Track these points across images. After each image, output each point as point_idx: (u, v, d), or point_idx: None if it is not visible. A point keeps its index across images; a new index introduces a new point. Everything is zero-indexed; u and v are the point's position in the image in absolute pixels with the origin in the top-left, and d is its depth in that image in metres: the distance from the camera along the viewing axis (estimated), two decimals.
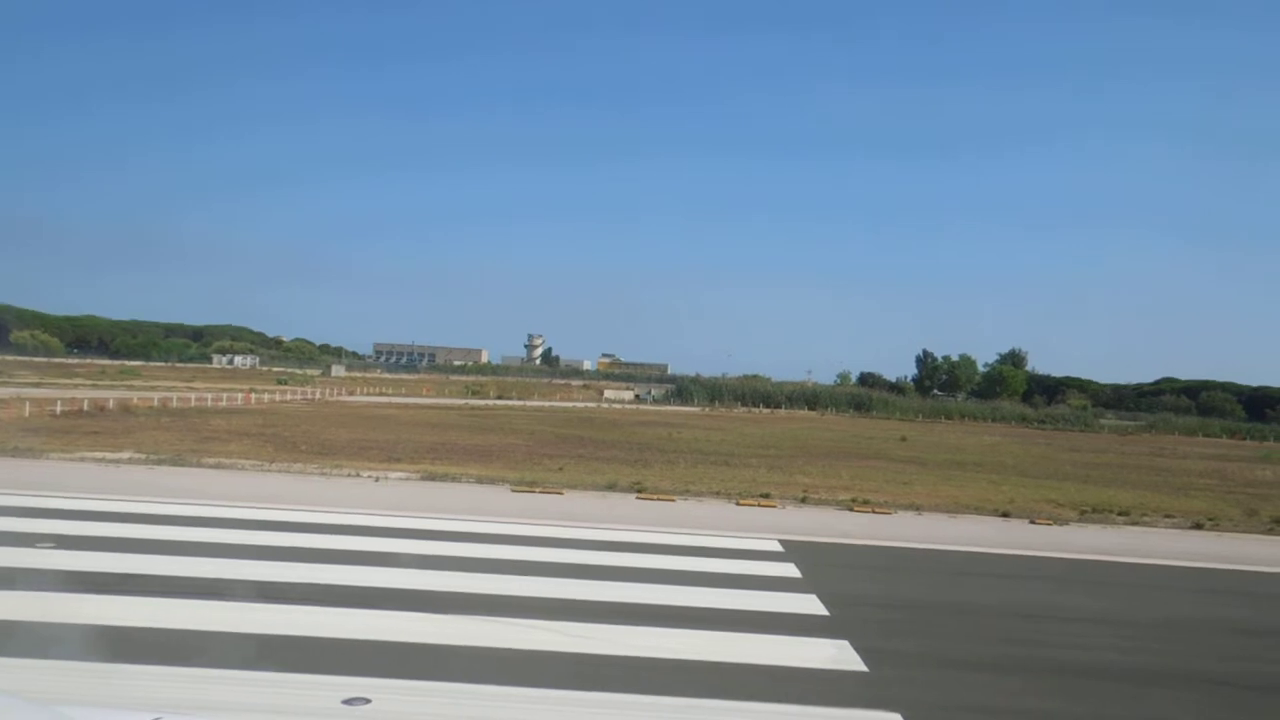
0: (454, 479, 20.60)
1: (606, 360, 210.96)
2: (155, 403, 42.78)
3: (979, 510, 20.19)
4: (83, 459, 20.78)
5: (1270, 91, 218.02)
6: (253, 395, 54.29)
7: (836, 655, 8.68)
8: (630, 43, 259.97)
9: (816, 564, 13.12)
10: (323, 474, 20.40)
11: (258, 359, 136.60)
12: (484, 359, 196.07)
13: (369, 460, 23.33)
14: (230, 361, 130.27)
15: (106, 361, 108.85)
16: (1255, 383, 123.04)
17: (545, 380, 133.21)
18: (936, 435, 58.32)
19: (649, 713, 6.91)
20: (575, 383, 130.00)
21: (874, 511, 19.14)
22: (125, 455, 21.55)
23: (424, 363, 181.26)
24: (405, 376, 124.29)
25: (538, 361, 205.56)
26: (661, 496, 19.45)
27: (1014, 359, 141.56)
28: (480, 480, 20.55)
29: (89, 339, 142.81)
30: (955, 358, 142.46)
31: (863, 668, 8.32)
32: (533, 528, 14.86)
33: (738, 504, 19.14)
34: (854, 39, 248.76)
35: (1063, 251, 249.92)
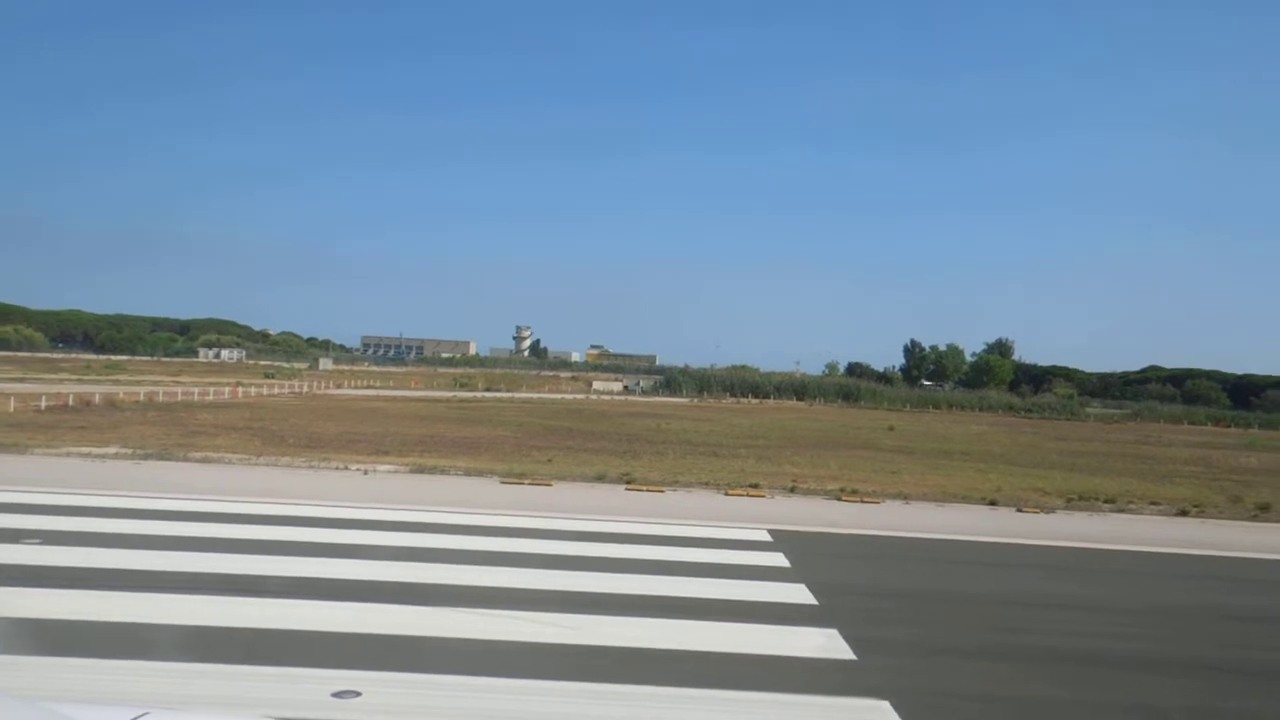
0: (443, 471, 20.58)
1: (595, 352, 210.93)
2: (141, 397, 42.59)
3: (966, 499, 20.28)
4: (68, 454, 20.67)
5: (1258, 78, 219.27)
6: (239, 389, 54.10)
7: (825, 644, 8.71)
8: (621, 37, 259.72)
9: (805, 553, 13.16)
10: (310, 467, 20.35)
11: (244, 353, 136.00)
12: (472, 351, 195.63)
13: (357, 453, 23.28)
14: (217, 355, 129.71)
15: (92, 356, 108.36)
16: (1240, 370, 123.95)
17: (533, 372, 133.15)
18: (924, 424, 58.53)
19: (639, 702, 6.93)
20: (564, 374, 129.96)
21: (862, 501, 19.20)
22: (111, 450, 21.45)
23: (412, 355, 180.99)
24: (393, 369, 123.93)
25: (526, 353, 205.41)
26: (650, 487, 19.47)
27: (1001, 348, 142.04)
28: (469, 472, 20.53)
29: (74, 333, 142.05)
30: (943, 348, 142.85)
31: (851, 656, 8.35)
32: (522, 519, 14.85)
33: (726, 494, 19.18)
34: (842, 30, 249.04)
35: (1049, 241, 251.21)
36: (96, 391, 42.84)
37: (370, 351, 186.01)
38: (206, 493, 16.08)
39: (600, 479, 20.33)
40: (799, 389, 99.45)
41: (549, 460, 23.94)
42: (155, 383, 56.33)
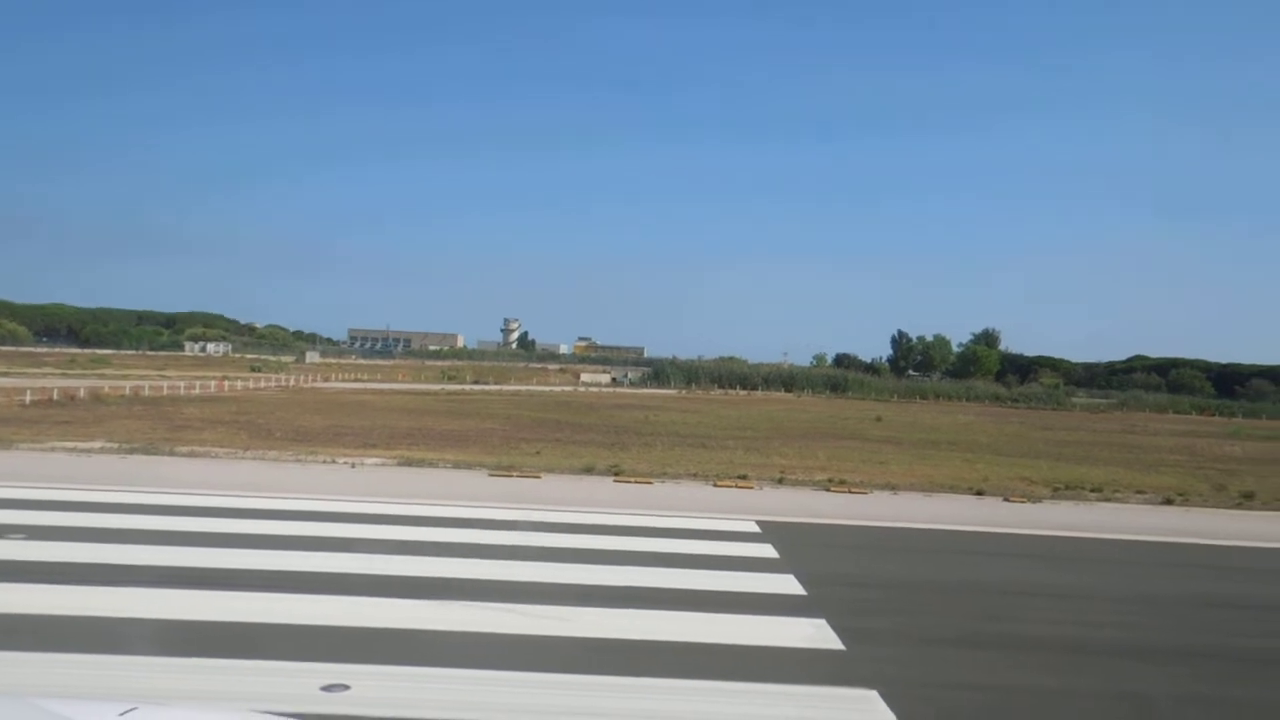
0: (431, 464, 20.54)
1: (583, 344, 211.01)
2: (127, 391, 42.33)
3: (954, 489, 20.37)
4: (53, 449, 20.54)
5: (1243, 66, 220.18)
6: (226, 383, 53.85)
7: (814, 634, 8.74)
8: (610, 28, 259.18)
9: (794, 544, 13.19)
10: (298, 461, 20.28)
11: (231, 346, 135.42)
12: (460, 344, 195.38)
13: (345, 446, 23.22)
14: (203, 349, 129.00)
15: (76, 350, 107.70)
16: (1225, 360, 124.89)
17: (522, 364, 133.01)
18: (911, 415, 58.74)
19: (628, 694, 6.94)
20: (552, 366, 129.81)
21: (850, 491, 19.26)
22: (97, 445, 21.33)
23: (399, 348, 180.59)
24: (381, 362, 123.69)
25: (514, 346, 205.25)
26: (639, 479, 19.48)
27: (987, 339, 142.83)
28: (457, 465, 20.50)
29: (58, 328, 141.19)
30: (930, 338, 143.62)
31: (840, 646, 8.38)
32: (510, 512, 14.84)
33: (715, 485, 19.21)
34: (830, 20, 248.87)
35: (1036, 232, 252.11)
36: (81, 386, 42.53)
37: (357, 344, 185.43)
38: (193, 487, 16.01)
39: (589, 471, 20.33)
40: (787, 380, 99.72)
41: (537, 452, 23.92)
42: (141, 377, 56.00)
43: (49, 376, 53.43)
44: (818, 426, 42.49)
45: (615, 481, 19.21)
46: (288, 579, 9.92)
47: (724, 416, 46.76)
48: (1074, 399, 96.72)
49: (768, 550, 12.72)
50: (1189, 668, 8.46)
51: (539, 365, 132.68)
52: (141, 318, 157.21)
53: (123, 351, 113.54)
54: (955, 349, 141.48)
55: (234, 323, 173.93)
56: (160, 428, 26.20)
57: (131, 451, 20.50)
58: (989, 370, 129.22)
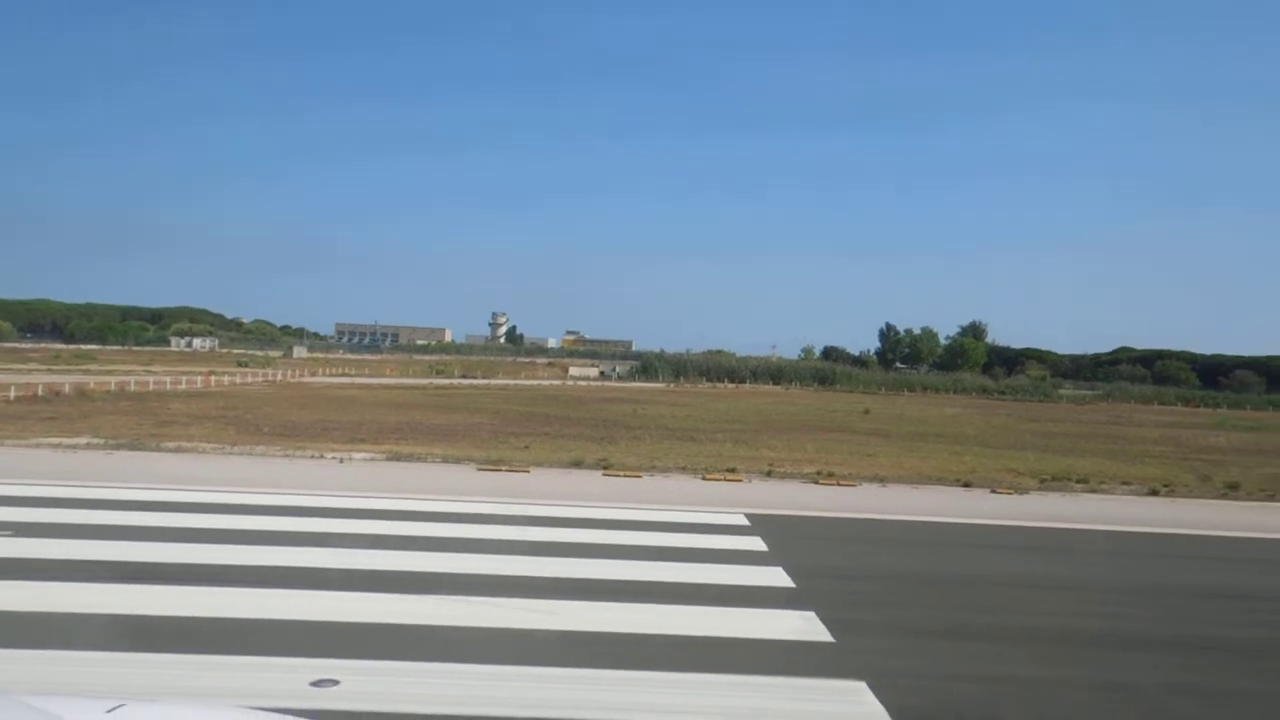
0: (419, 459, 20.50)
1: (571, 337, 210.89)
2: (112, 387, 42.11)
3: (941, 481, 20.45)
4: (38, 445, 20.41)
5: (1225, 54, 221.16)
6: (213, 378, 53.62)
7: (803, 626, 8.76)
8: (593, 22, 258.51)
9: (782, 536, 13.22)
10: (286, 456, 20.21)
11: (217, 341, 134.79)
12: (447, 338, 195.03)
13: (333, 441, 23.15)
14: (189, 344, 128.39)
15: (61, 346, 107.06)
16: (1209, 351, 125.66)
17: (510, 359, 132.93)
18: (899, 407, 58.91)
19: (617, 687, 6.95)
20: (540, 360, 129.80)
21: (839, 484, 19.31)
22: (83, 440, 21.21)
23: (387, 343, 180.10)
24: (368, 357, 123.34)
25: (502, 340, 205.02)
26: (628, 473, 19.48)
27: (974, 331, 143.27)
28: (445, 459, 20.46)
29: (42, 323, 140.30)
30: (917, 331, 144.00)
31: (829, 638, 8.41)
32: (499, 506, 14.83)
33: (704, 479, 19.23)
34: (812, 11, 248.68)
35: (1022, 224, 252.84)
36: (66, 381, 42.28)
37: (345, 339, 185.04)
38: (179, 482, 15.94)
39: (577, 465, 20.33)
40: (775, 373, 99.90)
41: (526, 447, 23.90)
42: (126, 372, 55.69)
43: (34, 372, 53.08)
44: (806, 419, 42.58)
45: (604, 475, 19.21)
46: (276, 574, 9.90)
47: (712, 409, 46.80)
48: (1060, 391, 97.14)
49: (756, 543, 12.75)
50: (1178, 658, 8.52)
51: (527, 359, 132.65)
52: (127, 313, 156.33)
53: (108, 347, 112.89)
54: (943, 341, 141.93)
55: (220, 318, 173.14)
56: (146, 423, 26.08)
57: (118, 447, 20.40)
58: (976, 362, 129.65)
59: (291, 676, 6.78)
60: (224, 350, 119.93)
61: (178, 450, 20.44)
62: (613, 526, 13.50)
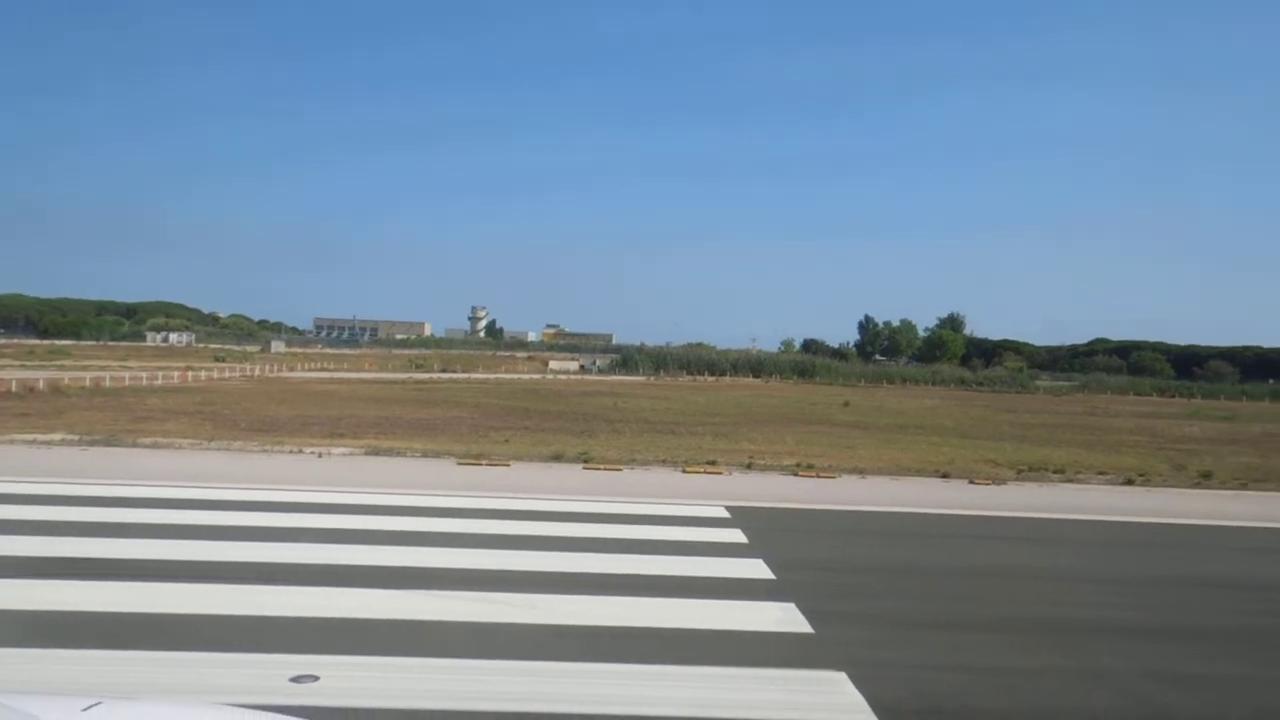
0: (399, 453, 20.42)
1: (551, 331, 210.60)
2: (87, 382, 41.67)
3: (920, 472, 20.57)
4: (12, 441, 20.19)
5: (1205, 41, 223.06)
6: (189, 373, 53.20)
7: (782, 618, 8.80)
8: (570, 15, 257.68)
9: (762, 529, 13.27)
10: (264, 451, 20.09)
11: (193, 336, 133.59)
12: (427, 332, 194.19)
13: (311, 436, 23.03)
14: (165, 339, 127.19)
15: (35, 341, 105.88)
16: (1184, 342, 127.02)
17: (489, 352, 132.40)
18: (878, 399, 59.19)
19: (597, 679, 6.96)
20: (520, 354, 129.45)
21: (818, 476, 19.39)
22: (57, 436, 20.99)
23: (366, 337, 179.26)
24: (347, 351, 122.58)
25: (482, 334, 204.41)
26: (608, 466, 19.49)
27: (953, 323, 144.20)
28: (425, 454, 20.40)
29: (15, 318, 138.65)
30: (896, 323, 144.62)
31: (809, 629, 8.45)
32: (479, 500, 14.80)
33: (684, 471, 19.26)
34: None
35: (999, 217, 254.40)
36: (40, 377, 41.81)
37: (323, 334, 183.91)
38: (156, 478, 15.81)
39: (558, 458, 20.31)
40: (755, 366, 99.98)
41: (506, 440, 23.85)
42: (102, 367, 55.15)
43: (7, 368, 52.49)
44: (786, 412, 42.71)
45: (584, 469, 19.21)
46: (254, 570, 9.84)
47: (692, 402, 46.86)
48: (1037, 382, 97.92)
49: (737, 535, 12.79)
50: (1156, 645, 8.60)
51: (507, 353, 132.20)
52: (102, 308, 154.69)
53: (83, 342, 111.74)
54: (921, 334, 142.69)
55: (197, 312, 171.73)
56: (122, 419, 25.84)
57: (93, 443, 20.21)
58: (954, 354, 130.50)
59: (271, 673, 6.74)
60: (201, 345, 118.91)
61: (154, 446, 20.27)
62: (593, 520, 13.50)
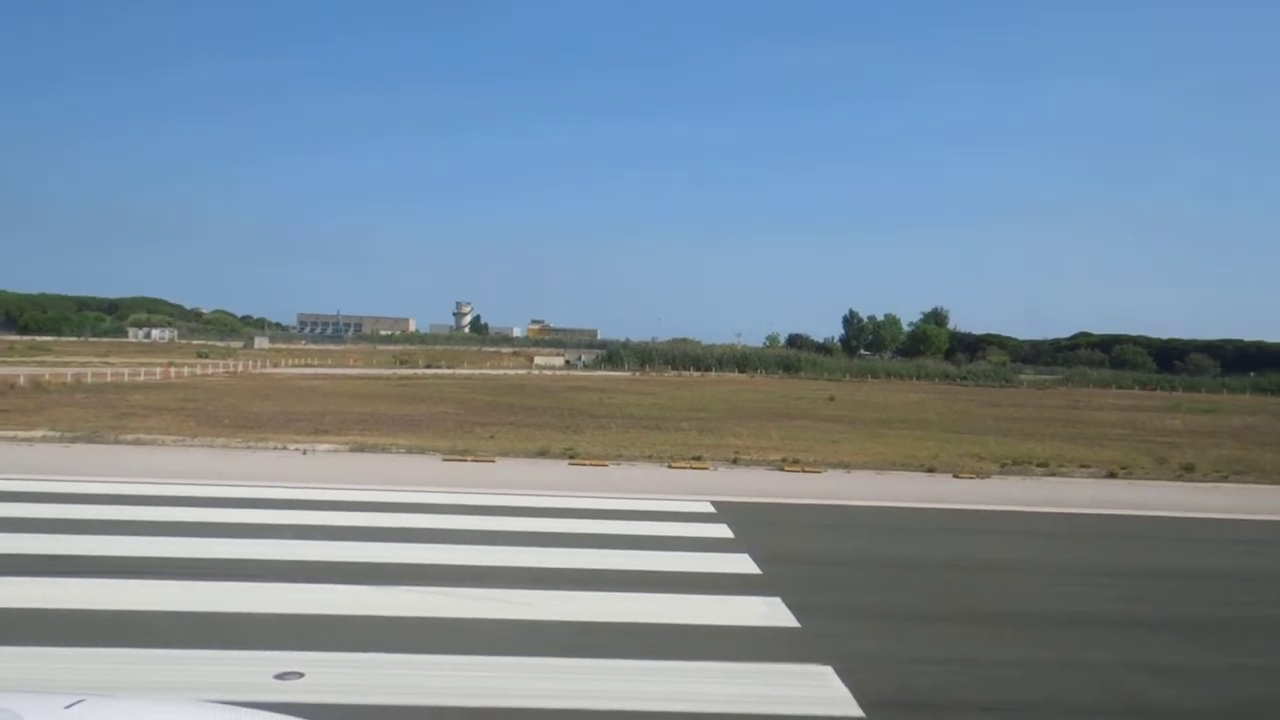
0: (384, 449, 20.36)
1: (536, 327, 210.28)
2: (69, 379, 41.33)
3: (905, 466, 20.64)
4: None
5: (1187, 30, 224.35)
6: (172, 369, 52.85)
7: (769, 612, 8.83)
8: (547, 6, 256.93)
9: (748, 524, 13.29)
10: (248, 448, 19.98)
11: (176, 332, 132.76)
12: (411, 328, 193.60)
13: (296, 433, 22.92)
14: (147, 335, 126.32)
15: (15, 337, 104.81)
16: (1165, 335, 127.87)
17: (475, 348, 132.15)
18: (863, 394, 59.33)
19: (584, 675, 6.97)
20: (505, 350, 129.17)
21: (804, 471, 19.43)
22: (39, 434, 20.82)
23: (350, 333, 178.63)
24: (331, 347, 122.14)
25: (466, 329, 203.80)
26: (594, 462, 19.49)
27: (936, 318, 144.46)
28: (410, 450, 20.34)
29: None
30: (880, 318, 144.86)
31: (795, 623, 8.48)
32: (465, 496, 14.78)
33: (669, 467, 19.27)
34: None
35: (984, 211, 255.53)
36: (21, 373, 41.43)
37: (307, 330, 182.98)
38: (139, 475, 15.72)
39: (543, 454, 20.29)
40: (740, 361, 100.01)
41: (491, 436, 23.81)
42: (83, 364, 54.71)
43: None
44: (771, 406, 42.77)
45: (570, 464, 19.20)
46: (238, 567, 9.80)
47: (678, 398, 46.88)
48: (1021, 376, 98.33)
49: (722, 530, 12.81)
50: (1139, 637, 8.67)
51: (492, 349, 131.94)
52: (83, 304, 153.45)
53: (64, 338, 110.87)
54: (905, 328, 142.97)
55: (179, 308, 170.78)
56: (105, 415, 25.66)
57: (75, 440, 20.06)
58: (938, 349, 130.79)
59: (255, 669, 6.72)
60: (183, 341, 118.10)
61: (137, 443, 20.14)
62: (579, 515, 13.50)
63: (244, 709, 3.11)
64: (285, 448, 20.06)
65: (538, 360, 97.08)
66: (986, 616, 9.15)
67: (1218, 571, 12.05)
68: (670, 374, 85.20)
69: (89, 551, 10.20)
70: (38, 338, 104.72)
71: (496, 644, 7.55)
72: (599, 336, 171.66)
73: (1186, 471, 21.32)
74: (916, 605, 9.49)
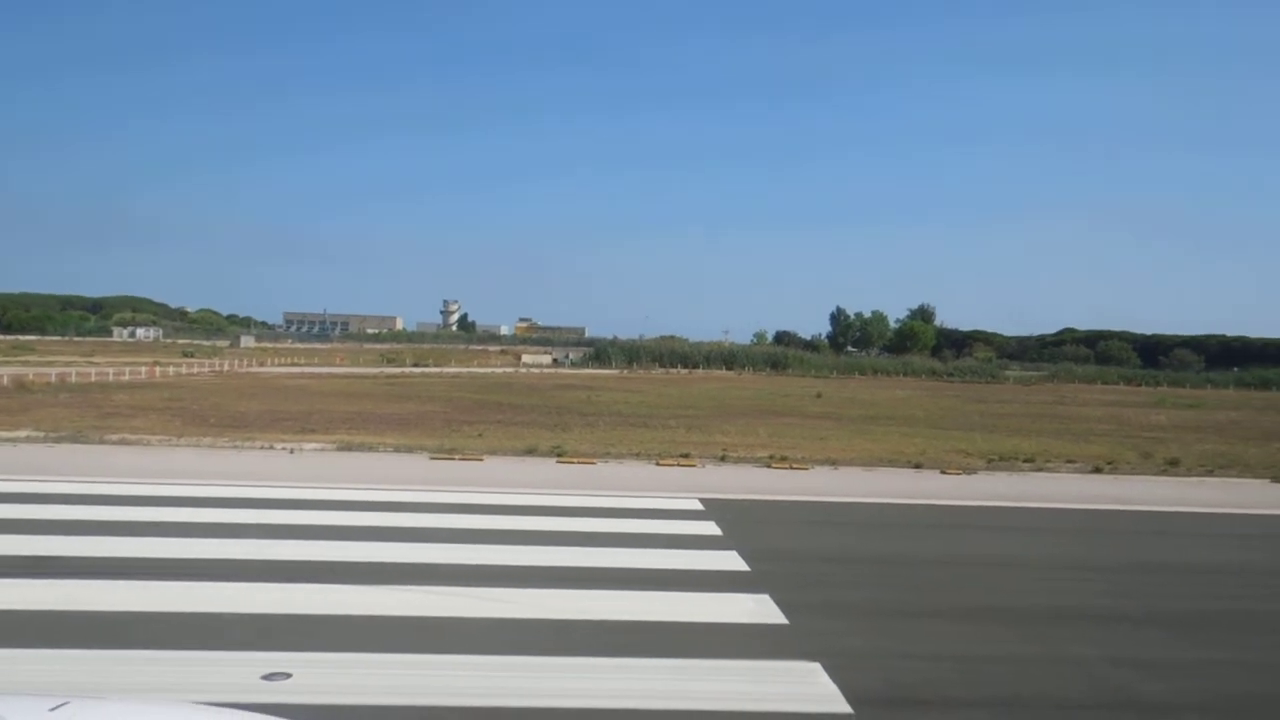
0: (371, 448, 20.29)
1: (524, 325, 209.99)
2: (53, 378, 41.04)
3: (893, 462, 20.69)
4: None
5: (1173, 24, 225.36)
6: (157, 368, 52.55)
7: (757, 609, 8.84)
8: (535, 4, 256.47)
9: (736, 521, 13.30)
10: (234, 447, 19.89)
11: (161, 331, 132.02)
12: (398, 326, 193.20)
13: (282, 432, 22.82)
14: (132, 334, 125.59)
15: None
16: (1149, 331, 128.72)
17: (462, 346, 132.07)
18: (850, 391, 59.47)
19: (573, 674, 6.96)
20: (493, 348, 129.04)
21: (792, 467, 19.47)
22: (23, 434, 20.67)
23: (337, 331, 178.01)
24: (318, 346, 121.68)
25: (454, 328, 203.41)
26: (582, 459, 19.47)
27: (923, 314, 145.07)
28: (398, 449, 20.28)
29: None
30: (868, 314, 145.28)
31: (783, 620, 8.49)
32: (453, 495, 14.75)
33: (658, 464, 19.27)
34: None
35: (969, 208, 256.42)
36: (4, 373, 41.09)
37: (294, 328, 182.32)
38: (125, 475, 15.63)
39: (531, 452, 20.26)
40: (728, 358, 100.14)
41: (479, 435, 23.76)
42: (67, 363, 54.33)
43: None
44: (759, 404, 42.82)
45: (558, 462, 19.18)
46: (225, 567, 9.75)
47: (666, 395, 46.89)
48: (1007, 372, 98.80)
49: (711, 528, 12.82)
50: (1124, 631, 8.72)
51: (479, 347, 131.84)
52: (67, 303, 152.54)
53: (47, 338, 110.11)
54: (892, 325, 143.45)
55: (164, 307, 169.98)
56: (89, 415, 25.48)
57: (60, 440, 19.93)
58: (925, 345, 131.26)
59: (242, 670, 6.69)
60: (169, 340, 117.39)
61: (122, 442, 20.02)
62: (567, 513, 13.48)
63: (231, 710, 3.10)
64: (272, 447, 19.97)
65: (525, 358, 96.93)
66: (974, 612, 9.18)
67: (1203, 566, 12.12)
68: (658, 371, 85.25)
69: (74, 552, 10.14)
70: (21, 337, 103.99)
71: (486, 643, 7.54)
72: (587, 334, 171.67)
73: (1171, 466, 21.44)
74: (904, 601, 9.52)
